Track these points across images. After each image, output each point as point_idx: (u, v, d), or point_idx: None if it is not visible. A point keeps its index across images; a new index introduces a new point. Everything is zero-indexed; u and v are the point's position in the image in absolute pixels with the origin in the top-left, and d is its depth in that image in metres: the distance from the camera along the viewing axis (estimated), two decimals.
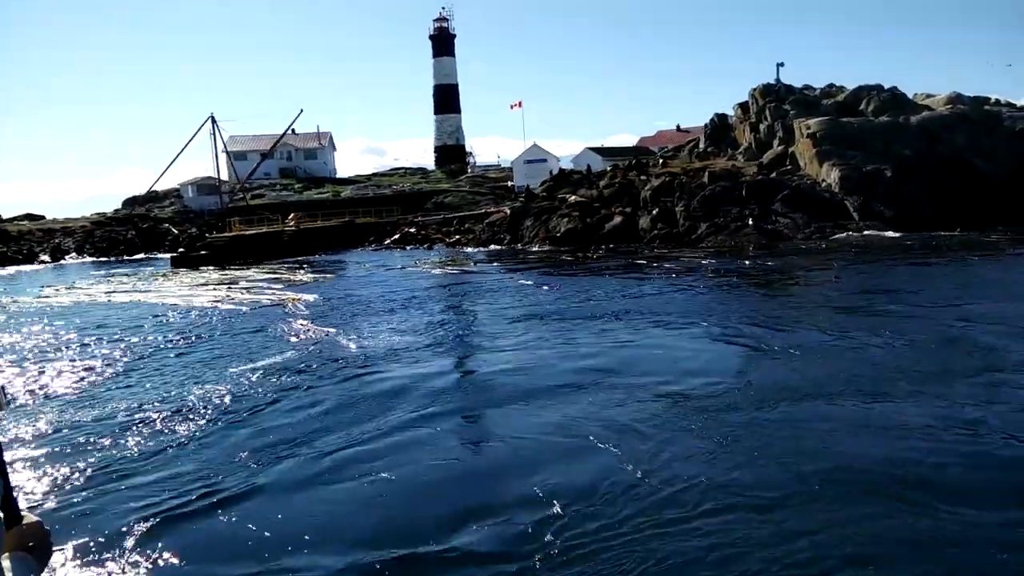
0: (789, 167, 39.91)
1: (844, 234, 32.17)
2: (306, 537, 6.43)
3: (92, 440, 9.50)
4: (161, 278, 32.87)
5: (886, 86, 44.26)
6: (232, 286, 27.74)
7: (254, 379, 12.47)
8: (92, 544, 6.52)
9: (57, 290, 29.46)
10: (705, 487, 6.90)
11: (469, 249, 39.40)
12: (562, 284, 23.19)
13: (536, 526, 6.34)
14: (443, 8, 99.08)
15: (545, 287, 22.59)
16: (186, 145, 64.08)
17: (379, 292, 23.77)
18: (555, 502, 6.75)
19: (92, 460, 8.75)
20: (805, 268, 23.89)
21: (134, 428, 9.93)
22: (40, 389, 12.63)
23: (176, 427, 9.93)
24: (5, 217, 63.17)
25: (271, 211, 54.16)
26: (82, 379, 13.24)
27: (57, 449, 9.24)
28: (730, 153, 46.05)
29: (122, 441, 9.42)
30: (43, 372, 14.00)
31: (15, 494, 1.50)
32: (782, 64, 47.72)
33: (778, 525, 6.12)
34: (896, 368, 10.77)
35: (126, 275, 35.44)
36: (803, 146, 39.69)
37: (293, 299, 22.91)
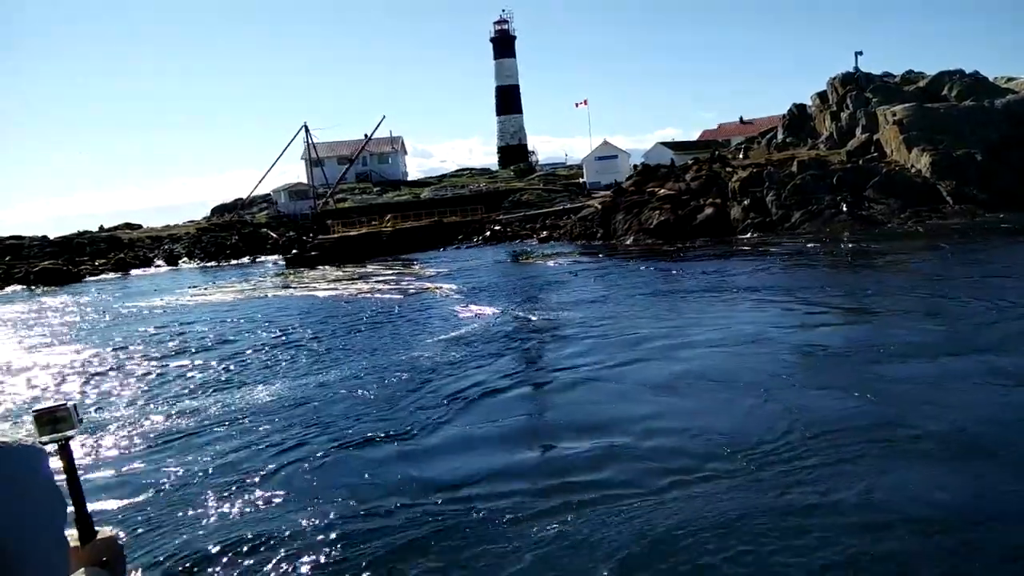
0: (875, 154, 40.72)
1: (940, 218, 33.03)
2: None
3: (358, 389, 11.53)
4: (291, 276, 35.47)
5: (966, 71, 44.78)
6: (365, 280, 30.03)
7: (460, 344, 14.53)
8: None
9: (205, 289, 32.20)
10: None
11: (563, 243, 41.19)
12: (682, 268, 24.81)
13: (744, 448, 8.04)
14: (503, 10, 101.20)
15: (671, 271, 24.26)
16: (282, 153, 67.45)
17: (507, 280, 25.74)
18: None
19: (366, 407, 10.76)
20: (913, 249, 25.08)
21: (397, 378, 11.95)
22: (284, 364, 14.78)
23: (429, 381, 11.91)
24: (107, 226, 67.44)
25: (359, 214, 56.83)
26: (313, 352, 15.38)
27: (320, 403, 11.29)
28: (811, 143, 46.95)
29: (389, 387, 11.43)
30: (271, 351, 16.21)
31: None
32: (860, 53, 48.40)
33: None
34: None
35: (256, 275, 38.18)
36: (889, 133, 40.46)
37: (435, 288, 25.01)
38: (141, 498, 7.96)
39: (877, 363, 10.72)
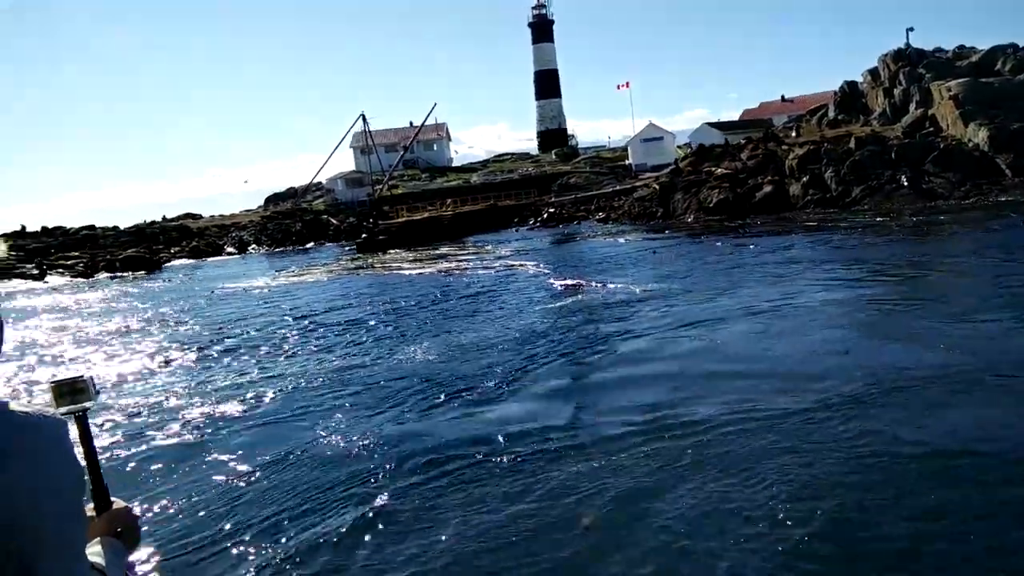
0: (930, 129, 41.25)
1: (1001, 190, 33.68)
2: None
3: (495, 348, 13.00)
4: (368, 258, 37.24)
5: (1020, 44, 44.93)
6: (446, 260, 31.61)
7: (569, 312, 15.97)
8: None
9: (292, 271, 34.08)
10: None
11: (622, 223, 42.42)
12: (753, 243, 25.95)
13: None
14: None
15: (745, 245, 25.44)
16: (340, 141, 69.05)
17: (585, 258, 27.14)
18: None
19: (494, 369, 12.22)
20: (979, 220, 25.97)
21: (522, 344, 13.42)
22: (414, 330, 16.31)
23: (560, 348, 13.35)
24: (169, 217, 70.01)
25: (413, 199, 58.56)
26: (436, 322, 16.91)
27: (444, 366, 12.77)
28: (863, 119, 47.51)
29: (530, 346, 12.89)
30: (396, 322, 17.78)
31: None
32: (912, 29, 48.66)
33: None
34: None
35: (329, 259, 40.04)
36: (945, 108, 40.96)
37: (520, 265, 26.47)
38: (314, 430, 9.45)
39: (953, 320, 11.88)
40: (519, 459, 7.77)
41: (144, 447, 9.53)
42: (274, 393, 11.67)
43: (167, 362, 15.22)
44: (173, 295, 29.79)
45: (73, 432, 1.39)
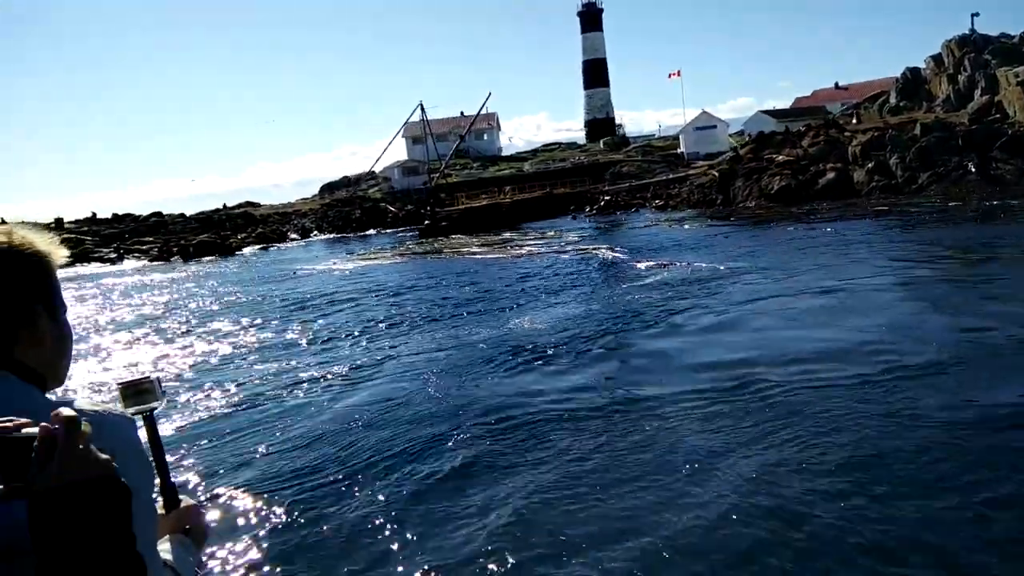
0: (996, 116, 40.75)
1: None
2: None
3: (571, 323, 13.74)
4: (433, 242, 38.30)
5: None
6: (514, 246, 32.44)
7: (657, 288, 16.66)
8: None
9: (362, 254, 35.29)
10: None
11: (681, 210, 42.79)
12: (825, 227, 26.24)
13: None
14: None
15: (814, 230, 25.80)
16: (399, 131, 70.30)
17: (656, 242, 27.72)
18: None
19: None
20: None
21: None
22: (514, 304, 17.14)
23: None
24: (230, 206, 72.04)
25: (468, 188, 59.52)
26: (533, 299, 17.72)
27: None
28: (926, 106, 47.07)
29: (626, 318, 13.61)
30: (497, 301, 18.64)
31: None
32: (977, 14, 48.00)
33: None
34: None
35: (392, 244, 41.22)
36: (1012, 94, 40.44)
37: (594, 248, 27.17)
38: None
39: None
40: (625, 412, 8.54)
41: (270, 401, 10.65)
42: (380, 359, 12.66)
43: (282, 331, 16.33)
44: (259, 275, 31.19)
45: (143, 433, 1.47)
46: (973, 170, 35.59)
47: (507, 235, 38.39)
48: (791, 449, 6.96)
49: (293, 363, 13.09)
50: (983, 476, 6.07)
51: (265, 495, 7.16)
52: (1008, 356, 9.15)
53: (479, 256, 29.41)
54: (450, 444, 8.11)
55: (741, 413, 8.09)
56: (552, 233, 36.94)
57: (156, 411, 1.59)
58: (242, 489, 7.39)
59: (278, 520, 6.65)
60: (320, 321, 17.40)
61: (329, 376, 11.78)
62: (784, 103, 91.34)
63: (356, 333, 15.42)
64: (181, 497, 1.62)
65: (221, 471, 7.98)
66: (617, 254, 25.29)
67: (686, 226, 33.10)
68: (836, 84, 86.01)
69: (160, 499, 1.57)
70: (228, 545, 6.26)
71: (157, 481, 1.54)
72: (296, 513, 6.72)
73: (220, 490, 7.44)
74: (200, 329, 18.09)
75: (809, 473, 6.41)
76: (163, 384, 1.59)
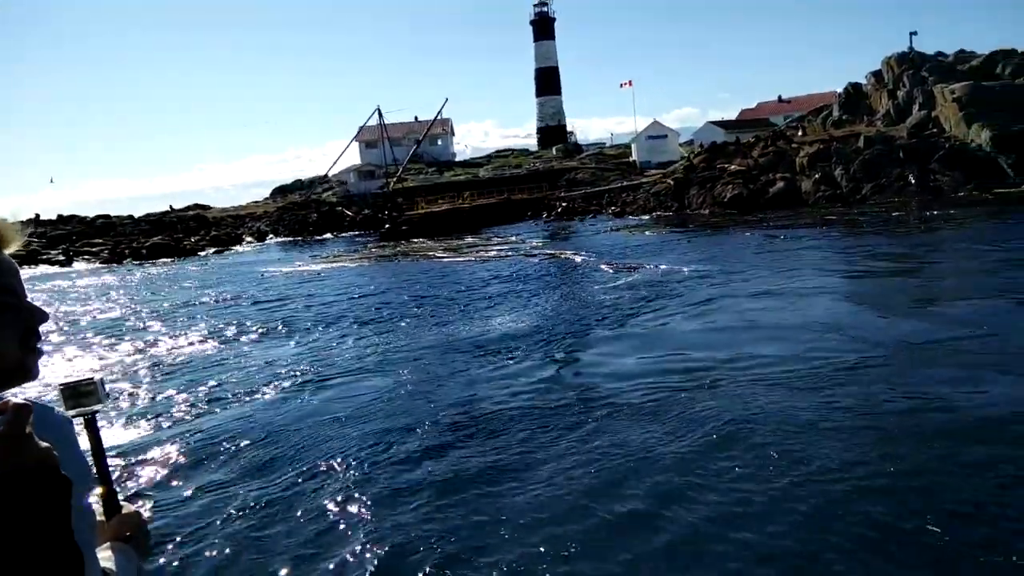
0: (933, 130, 43.06)
1: (1004, 189, 35.51)
2: None
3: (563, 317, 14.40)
4: (396, 246, 38.46)
5: (1018, 49, 46.95)
6: (480, 250, 32.91)
7: (628, 288, 17.42)
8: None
9: (326, 257, 35.25)
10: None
11: (638, 217, 43.90)
12: (775, 234, 27.49)
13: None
14: None
15: (770, 237, 26.99)
16: (357, 135, 69.93)
17: (620, 247, 28.57)
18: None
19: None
20: (985, 215, 27.72)
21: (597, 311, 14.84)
22: (491, 305, 17.65)
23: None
24: (177, 208, 70.68)
25: (425, 192, 59.78)
26: (508, 300, 18.26)
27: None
28: (867, 120, 49.31)
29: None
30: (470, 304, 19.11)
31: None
32: (915, 33, 50.74)
33: None
34: None
35: (354, 247, 41.22)
36: (948, 110, 42.80)
37: (560, 253, 27.85)
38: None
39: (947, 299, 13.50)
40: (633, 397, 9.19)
41: (257, 396, 10.96)
42: (369, 356, 13.08)
43: (265, 333, 16.48)
44: (224, 277, 30.94)
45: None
46: (913, 181, 37.59)
47: (470, 240, 38.83)
48: (721, 436, 7.72)
49: (263, 361, 13.38)
50: (899, 451, 6.90)
51: (215, 498, 7.36)
52: (931, 352, 10.12)
53: (448, 259, 29.79)
54: (413, 438, 8.61)
55: (685, 403, 8.84)
56: (514, 238, 37.54)
57: (97, 414, 1.52)
58: (193, 492, 7.58)
59: (228, 521, 6.82)
60: (298, 322, 17.58)
61: (301, 374, 12.18)
62: (726, 114, 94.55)
63: (333, 332, 15.74)
64: (123, 503, 1.56)
65: (169, 475, 8.19)
66: (587, 257, 26.01)
67: (647, 232, 34.11)
68: (779, 97, 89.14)
69: (100, 505, 1.50)
70: (174, 551, 6.26)
71: (98, 487, 1.49)
72: (249, 512, 6.95)
73: (166, 495, 7.60)
74: (167, 330, 18.07)
75: (738, 454, 7.21)
76: (106, 386, 1.54)
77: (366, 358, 12.95)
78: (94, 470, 1.46)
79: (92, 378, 1.50)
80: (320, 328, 16.50)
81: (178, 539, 6.51)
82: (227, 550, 6.26)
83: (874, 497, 6.05)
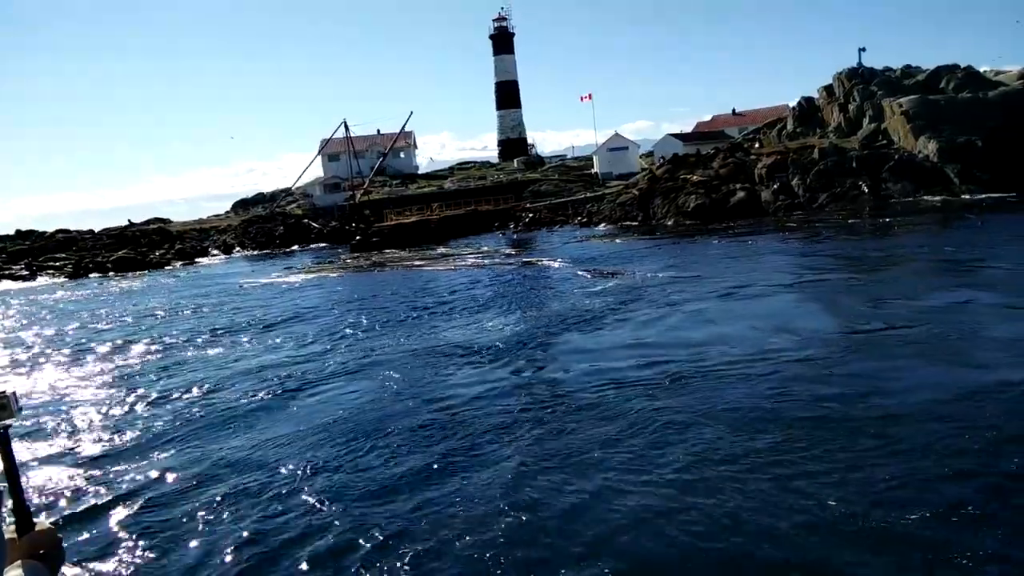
0: (883, 142, 45.17)
1: (951, 196, 37.52)
2: None
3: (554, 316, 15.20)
4: (369, 257, 38.83)
5: (960, 64, 49.55)
6: (455, 259, 33.53)
7: (605, 295, 18.29)
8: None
9: (303, 268, 35.46)
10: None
11: (605, 227, 45.00)
12: (742, 241, 28.75)
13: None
14: (502, 8, 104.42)
15: (739, 243, 28.22)
16: (321, 149, 69.92)
17: (593, 255, 29.52)
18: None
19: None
20: (932, 220, 29.44)
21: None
22: (475, 310, 18.32)
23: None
24: (136, 222, 69.78)
25: (394, 204, 60.11)
26: (491, 303, 18.96)
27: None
28: (820, 132, 51.37)
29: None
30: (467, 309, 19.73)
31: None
32: (864, 49, 52.92)
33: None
34: None
35: (324, 259, 41.45)
36: (896, 123, 44.95)
37: (537, 261, 28.64)
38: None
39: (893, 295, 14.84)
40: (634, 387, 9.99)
41: (250, 396, 11.60)
42: (364, 359, 13.70)
43: (261, 336, 16.90)
44: (201, 290, 30.99)
45: None
46: (866, 190, 39.44)
47: (441, 250, 39.40)
48: (677, 427, 8.61)
49: (255, 365, 13.87)
50: (840, 434, 7.77)
51: (193, 501, 7.69)
52: (876, 345, 11.28)
53: (424, 269, 30.35)
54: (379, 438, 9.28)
55: (645, 400, 9.70)
56: (486, 248, 38.24)
57: (9, 428, 1.49)
58: (174, 495, 7.92)
59: (200, 522, 7.16)
60: (293, 329, 18.03)
61: (302, 377, 12.80)
62: (679, 127, 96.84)
63: (326, 339, 16.27)
64: (36, 520, 1.52)
65: (151, 478, 8.55)
66: (563, 264, 26.86)
67: (617, 240, 35.14)
68: (733, 110, 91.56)
69: (11, 521, 1.47)
70: (93, 566, 6.19)
71: (9, 503, 1.46)
72: (223, 511, 7.36)
73: (149, 496, 7.92)
74: (161, 336, 18.33)
75: (697, 439, 8.11)
76: (19, 400, 1.50)
77: (367, 358, 13.49)
78: (5, 485, 1.43)
79: (4, 392, 1.47)
80: (323, 336, 16.95)
81: (153, 541, 6.81)
82: (199, 550, 6.60)
83: (817, 478, 6.78)
